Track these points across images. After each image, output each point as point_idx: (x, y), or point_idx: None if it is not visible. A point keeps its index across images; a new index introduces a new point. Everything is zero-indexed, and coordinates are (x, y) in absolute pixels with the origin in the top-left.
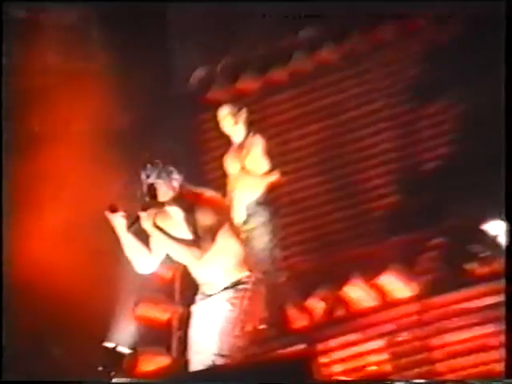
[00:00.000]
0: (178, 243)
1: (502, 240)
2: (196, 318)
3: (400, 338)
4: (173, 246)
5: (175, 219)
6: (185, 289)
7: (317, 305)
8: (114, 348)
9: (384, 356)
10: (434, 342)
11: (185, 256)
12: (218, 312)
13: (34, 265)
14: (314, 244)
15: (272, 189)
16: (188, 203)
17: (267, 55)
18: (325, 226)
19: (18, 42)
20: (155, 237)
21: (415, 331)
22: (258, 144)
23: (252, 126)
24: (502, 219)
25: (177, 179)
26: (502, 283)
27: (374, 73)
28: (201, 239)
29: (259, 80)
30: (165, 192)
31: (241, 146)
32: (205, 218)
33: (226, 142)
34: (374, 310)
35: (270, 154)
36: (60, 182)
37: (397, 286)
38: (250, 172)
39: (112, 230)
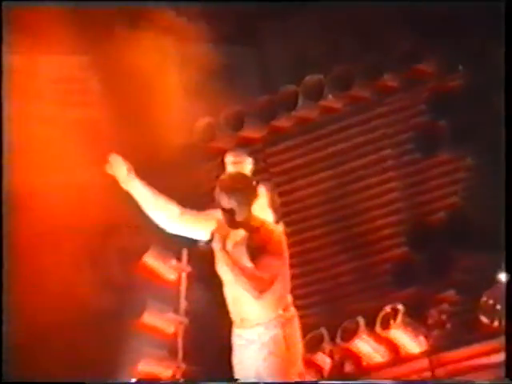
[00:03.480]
0: (241, 275)
1: None
2: (238, 362)
3: None
4: (236, 276)
5: (242, 246)
6: (187, 345)
7: (325, 359)
8: None
9: None
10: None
11: (245, 290)
12: (261, 356)
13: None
14: (321, 297)
15: None
16: (257, 237)
17: (272, 103)
18: (331, 279)
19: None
20: (221, 261)
21: None
22: (261, 194)
23: (256, 176)
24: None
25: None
26: None
27: (379, 120)
28: (262, 279)
29: (264, 128)
30: (240, 214)
31: None
32: (269, 259)
33: None
34: (384, 366)
35: (275, 204)
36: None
37: (407, 340)
38: None
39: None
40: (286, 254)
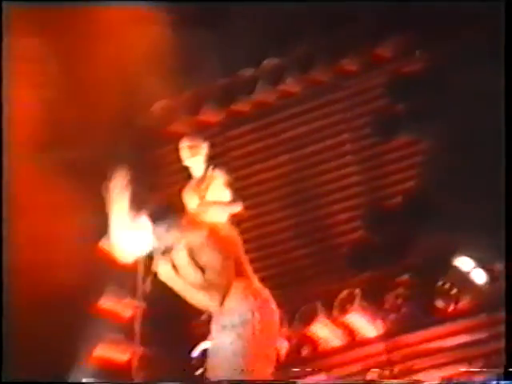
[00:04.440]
0: (195, 291)
1: (472, 276)
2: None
3: (368, 378)
4: (191, 293)
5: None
6: (145, 329)
7: (281, 344)
8: None
9: None
10: (402, 382)
11: (204, 304)
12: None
13: None
14: (278, 281)
15: (234, 223)
16: (198, 238)
17: (230, 86)
18: (289, 263)
19: None
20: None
21: (383, 371)
22: (218, 178)
23: (212, 160)
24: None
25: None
26: (471, 321)
27: (338, 105)
28: (216, 284)
29: (222, 112)
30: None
31: (201, 179)
32: (216, 261)
33: (186, 175)
34: (341, 350)
35: (231, 188)
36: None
37: (364, 324)
38: (210, 205)
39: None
40: (233, 247)
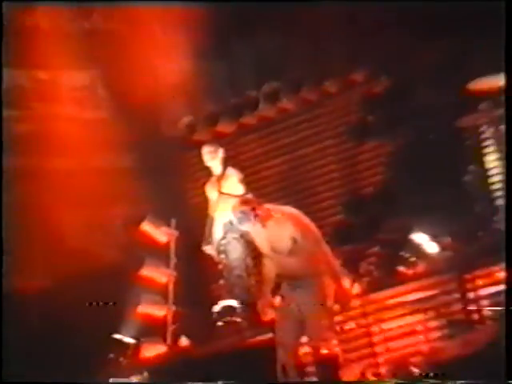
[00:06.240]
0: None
1: (426, 247)
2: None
3: (347, 327)
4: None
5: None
6: (177, 292)
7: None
8: (120, 339)
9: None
10: (374, 329)
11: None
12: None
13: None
14: None
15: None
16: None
17: (240, 104)
18: None
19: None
20: None
21: (359, 321)
22: (232, 175)
23: (227, 161)
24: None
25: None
26: (426, 281)
27: (322, 118)
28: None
29: (234, 124)
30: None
31: (219, 177)
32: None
33: (208, 173)
34: None
35: (243, 182)
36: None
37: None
38: (228, 197)
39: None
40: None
